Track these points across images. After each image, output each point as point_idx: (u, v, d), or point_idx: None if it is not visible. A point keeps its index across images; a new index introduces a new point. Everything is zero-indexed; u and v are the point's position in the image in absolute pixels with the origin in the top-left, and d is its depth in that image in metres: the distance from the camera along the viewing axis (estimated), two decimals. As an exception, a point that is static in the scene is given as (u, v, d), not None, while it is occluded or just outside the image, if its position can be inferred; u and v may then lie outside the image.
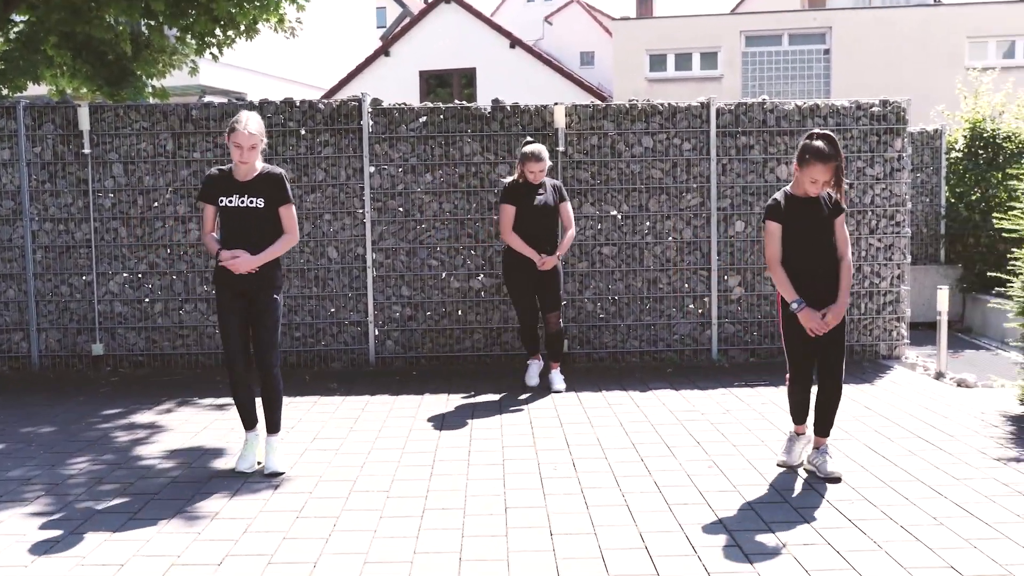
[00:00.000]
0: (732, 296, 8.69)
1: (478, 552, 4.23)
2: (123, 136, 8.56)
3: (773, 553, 4.17)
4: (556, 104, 8.57)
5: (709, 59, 26.20)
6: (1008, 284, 6.93)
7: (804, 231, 5.13)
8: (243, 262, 5.18)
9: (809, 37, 25.80)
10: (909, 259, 8.84)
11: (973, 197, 12.63)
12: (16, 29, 11.22)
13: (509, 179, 7.59)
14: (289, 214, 5.38)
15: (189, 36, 11.11)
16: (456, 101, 9.30)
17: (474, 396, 7.43)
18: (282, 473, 5.44)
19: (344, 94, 25.83)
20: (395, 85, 25.98)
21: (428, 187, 8.59)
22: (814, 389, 5.32)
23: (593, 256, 8.65)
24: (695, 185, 8.64)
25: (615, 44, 26.86)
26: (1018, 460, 5.52)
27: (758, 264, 8.64)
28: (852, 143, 8.65)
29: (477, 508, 4.82)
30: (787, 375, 5.35)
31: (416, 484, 5.23)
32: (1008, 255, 7.33)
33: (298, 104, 8.59)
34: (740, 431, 6.27)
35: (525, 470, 5.47)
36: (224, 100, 8.58)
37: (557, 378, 7.65)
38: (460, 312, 8.66)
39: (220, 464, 5.66)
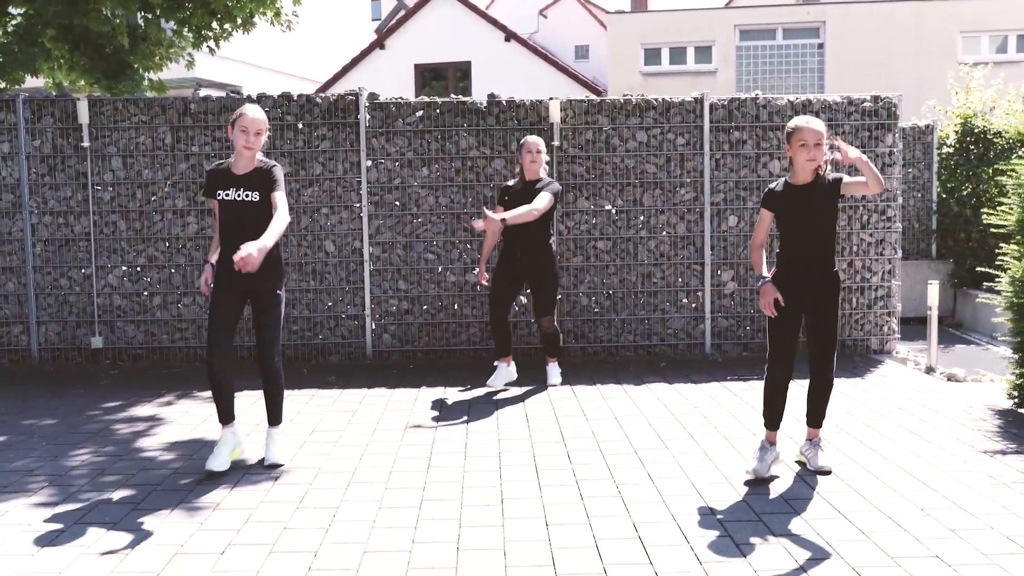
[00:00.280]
0: (725, 290, 8.78)
1: (475, 542, 4.32)
2: (122, 130, 8.62)
3: (763, 543, 4.27)
4: (552, 99, 8.65)
5: (703, 53, 26.30)
6: (996, 279, 7.03)
7: (800, 218, 5.11)
8: (254, 259, 4.93)
9: (803, 31, 25.91)
10: (900, 254, 8.94)
11: (964, 192, 12.76)
12: (13, 22, 11.24)
13: (511, 181, 7.66)
14: (280, 198, 5.28)
15: (186, 29, 11.17)
16: (451, 95, 9.38)
17: (470, 389, 7.52)
18: (281, 465, 5.51)
19: (340, 87, 25.89)
20: (390, 78, 26.03)
21: (424, 181, 8.67)
22: (792, 389, 5.31)
23: (588, 250, 8.73)
24: (689, 180, 8.73)
25: (610, 38, 26.95)
26: (1004, 453, 5.63)
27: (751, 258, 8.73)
28: (844, 138, 8.73)
29: (474, 499, 4.91)
30: (765, 366, 5.28)
31: (414, 476, 5.32)
32: (996, 250, 7.43)
33: (295, 98, 8.66)
34: (732, 424, 6.36)
35: (521, 462, 5.56)
36: (221, 93, 8.63)
37: (553, 371, 7.70)
38: (456, 306, 8.75)
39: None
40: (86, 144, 8.56)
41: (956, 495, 4.87)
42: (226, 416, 5.51)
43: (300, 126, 8.63)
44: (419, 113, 8.67)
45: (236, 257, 4.88)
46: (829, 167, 5.25)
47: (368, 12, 35.34)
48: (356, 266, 8.69)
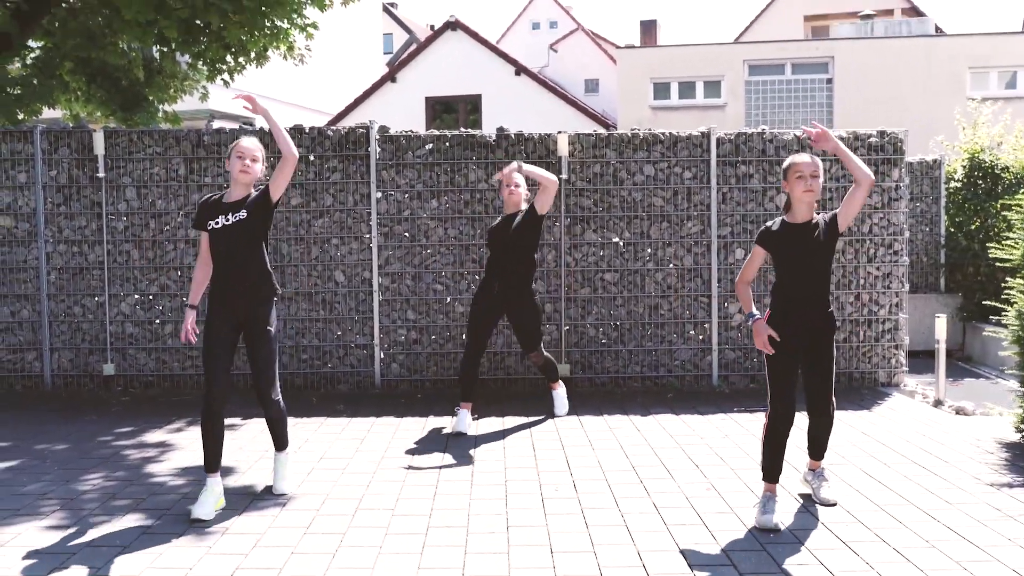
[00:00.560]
0: (732, 322, 8.83)
1: (480, 568, 4.36)
2: (136, 161, 8.75)
3: (768, 573, 4.29)
4: (560, 132, 8.75)
5: (712, 87, 26.48)
6: (1003, 313, 7.07)
7: (797, 258, 5.09)
8: (256, 102, 5.23)
9: (812, 66, 26.08)
10: (907, 287, 8.98)
11: (972, 226, 12.80)
12: (33, 55, 11.45)
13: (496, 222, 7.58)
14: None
15: (201, 62, 11.34)
16: (461, 128, 9.49)
17: (478, 419, 7.55)
18: (285, 494, 5.53)
19: (351, 120, 26.14)
20: (401, 111, 26.28)
21: (434, 213, 8.76)
22: (792, 435, 5.22)
23: (595, 282, 8.80)
24: (696, 213, 8.80)
25: (619, 72, 27.16)
26: (1011, 486, 5.64)
27: (758, 291, 8.78)
28: (850, 173, 8.78)
29: (480, 526, 4.95)
30: (766, 413, 5.14)
31: (420, 503, 5.36)
32: (1003, 284, 7.47)
33: (307, 130, 8.78)
34: (738, 455, 6.39)
35: (527, 491, 5.59)
36: (234, 125, 8.76)
37: (559, 400, 7.66)
38: (464, 336, 8.80)
39: (230, 482, 5.78)
40: (101, 175, 8.69)
41: (962, 527, 4.89)
42: (212, 464, 5.28)
43: (311, 158, 8.75)
44: (429, 146, 8.78)
45: (243, 97, 5.18)
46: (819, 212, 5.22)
47: (380, 46, 35.72)
48: (365, 296, 8.77)
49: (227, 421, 7.34)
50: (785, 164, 5.16)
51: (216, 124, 9.00)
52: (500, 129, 8.85)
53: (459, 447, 6.66)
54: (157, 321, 8.78)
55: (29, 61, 11.40)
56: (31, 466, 6.19)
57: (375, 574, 4.30)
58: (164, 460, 6.35)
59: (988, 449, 6.54)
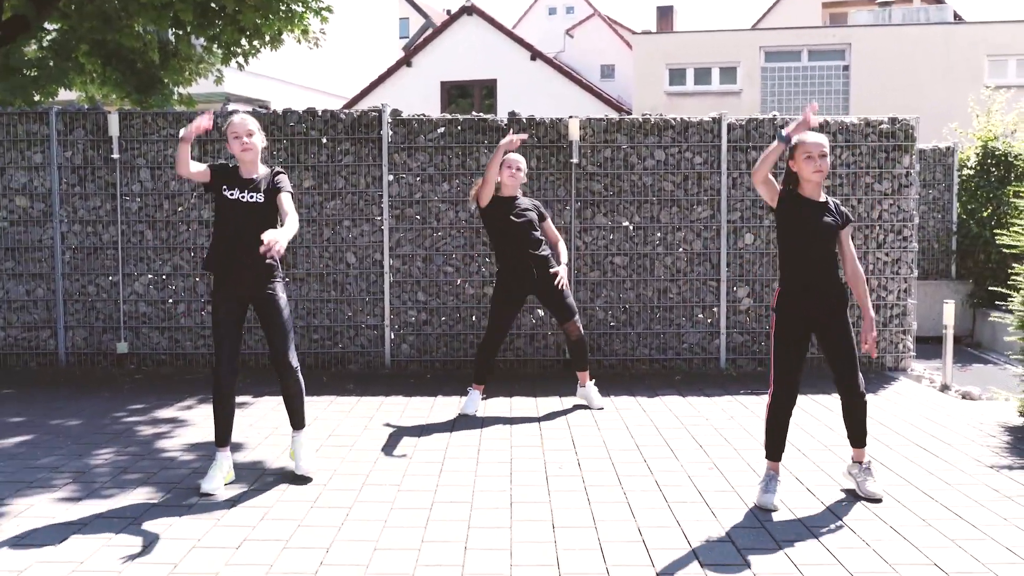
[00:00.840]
0: (741, 306, 8.87)
1: (483, 542, 4.44)
2: (151, 142, 8.85)
3: (766, 549, 4.36)
4: (571, 117, 8.79)
5: (728, 74, 26.42)
6: (1009, 298, 7.09)
7: (811, 232, 4.96)
8: (281, 245, 4.83)
9: (828, 53, 25.98)
10: (916, 273, 9.00)
11: (984, 214, 12.78)
12: (49, 37, 11.56)
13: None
14: (287, 201, 5.26)
15: (216, 46, 11.43)
16: (473, 112, 9.53)
17: (486, 399, 7.62)
18: (311, 479, 5.43)
19: (366, 103, 26.21)
20: (417, 95, 26.33)
21: (445, 196, 8.83)
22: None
23: (605, 265, 8.85)
24: (706, 198, 8.84)
25: (635, 57, 27.13)
26: (1011, 468, 5.68)
27: (767, 276, 8.83)
28: (861, 159, 8.83)
29: (484, 502, 5.03)
30: (769, 393, 5.12)
31: (426, 479, 5.45)
32: (1009, 270, 7.49)
33: (320, 113, 8.85)
34: (742, 436, 6.45)
35: (532, 468, 5.67)
36: (248, 108, 8.84)
37: (593, 392, 7.39)
38: (474, 318, 8.88)
39: (239, 457, 5.88)
40: (116, 156, 8.79)
41: (959, 507, 4.94)
42: (223, 438, 5.38)
43: (324, 141, 8.82)
44: (440, 129, 8.84)
45: (265, 239, 4.76)
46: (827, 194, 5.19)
47: (396, 30, 35.75)
48: (376, 277, 8.85)
49: (239, 399, 7.50)
50: (792, 142, 4.96)
51: (231, 107, 9.08)
52: (512, 113, 8.90)
53: (466, 426, 6.74)
54: (170, 301, 8.89)
55: (45, 43, 11.51)
56: (45, 441, 6.30)
57: (380, 546, 4.39)
58: (175, 436, 6.46)
59: (991, 433, 6.58)
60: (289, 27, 11.01)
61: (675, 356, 8.91)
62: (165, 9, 9.89)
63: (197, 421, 6.89)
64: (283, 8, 10.64)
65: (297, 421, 5.59)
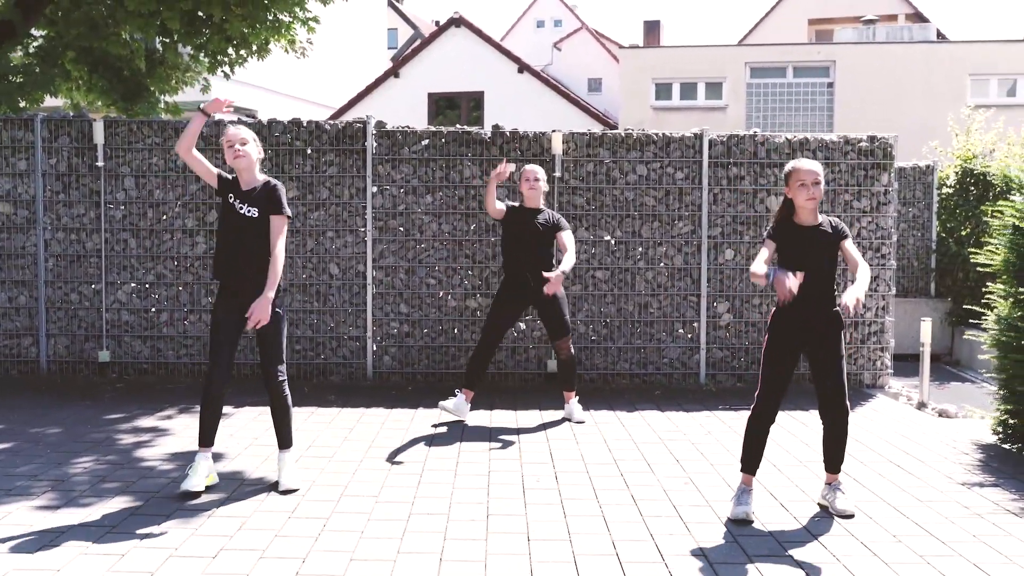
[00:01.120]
0: (721, 322, 8.94)
1: (458, 553, 4.49)
2: (136, 150, 8.87)
3: (737, 563, 4.42)
4: (554, 131, 8.87)
5: (714, 89, 26.59)
6: (984, 317, 7.19)
7: (798, 257, 5.08)
8: (265, 315, 5.24)
9: (813, 70, 26.19)
10: (894, 291, 9.10)
11: (963, 232, 12.92)
12: (35, 44, 11.57)
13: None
14: (278, 226, 5.37)
15: (202, 54, 11.44)
16: (456, 125, 9.60)
17: (472, 410, 7.65)
18: (296, 490, 5.46)
19: (354, 114, 26.26)
20: (404, 106, 26.39)
21: (428, 208, 8.88)
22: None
23: (586, 279, 8.92)
24: (687, 213, 8.92)
25: (622, 71, 27.29)
26: (981, 485, 5.76)
27: (747, 291, 8.91)
28: (840, 177, 8.93)
29: (460, 514, 5.07)
30: (752, 406, 5.20)
31: (404, 491, 5.49)
32: (983, 288, 7.60)
33: (305, 124, 8.90)
34: (719, 451, 6.51)
35: (509, 481, 5.72)
36: (234, 118, 8.86)
37: (576, 408, 7.48)
38: (456, 330, 8.93)
39: (219, 467, 5.89)
40: (100, 163, 8.81)
41: (929, 524, 5.01)
42: (206, 439, 5.44)
43: (308, 151, 8.87)
44: (424, 142, 8.90)
45: (250, 318, 5.22)
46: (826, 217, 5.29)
47: (385, 41, 35.83)
48: (359, 289, 8.89)
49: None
50: (787, 169, 5.17)
51: (218, 116, 9.10)
52: (495, 126, 8.97)
53: (445, 438, 6.78)
54: (153, 309, 8.90)
55: (32, 50, 11.51)
56: (24, 449, 6.31)
57: (356, 557, 4.43)
58: (155, 445, 6.48)
59: (964, 450, 6.66)
60: (276, 37, 11.04)
61: (655, 371, 8.98)
62: (152, 17, 9.91)
63: (177, 431, 6.90)
64: (270, 18, 10.68)
65: (282, 439, 5.60)
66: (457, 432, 6.98)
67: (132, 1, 9.34)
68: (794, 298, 4.98)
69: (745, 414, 7.60)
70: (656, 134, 8.95)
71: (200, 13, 10.38)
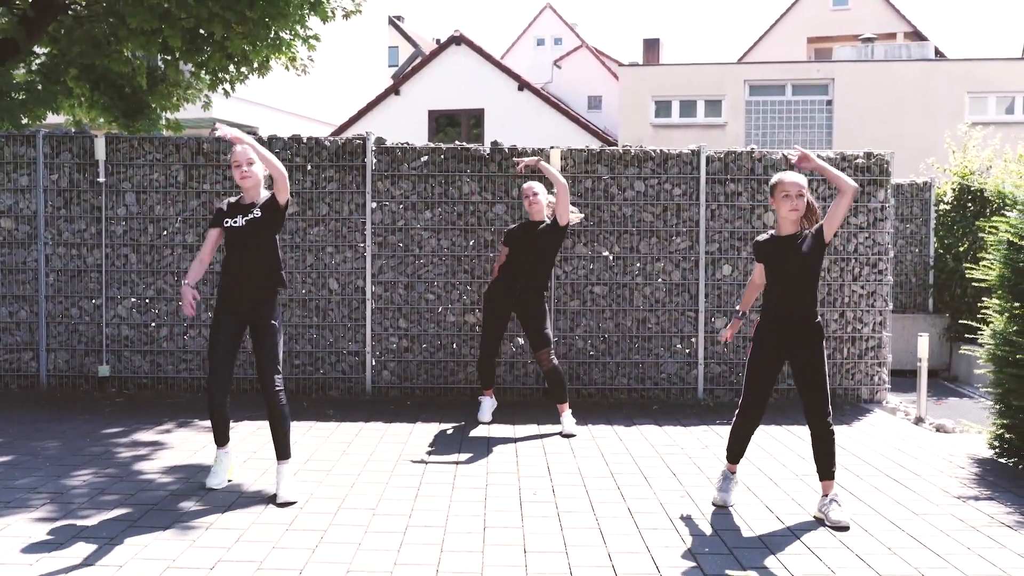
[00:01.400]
0: (718, 337, 8.98)
1: (455, 565, 4.51)
2: (137, 166, 8.93)
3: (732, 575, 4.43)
4: (552, 148, 8.93)
5: (713, 107, 26.71)
6: (979, 332, 7.22)
7: (784, 268, 5.32)
8: (236, 134, 5.55)
9: (812, 88, 26.32)
10: (891, 306, 9.13)
11: (961, 248, 12.96)
12: (38, 61, 11.66)
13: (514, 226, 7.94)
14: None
15: (203, 72, 11.53)
16: (456, 142, 9.66)
17: (465, 426, 7.70)
18: (294, 503, 5.48)
19: (355, 131, 26.36)
20: (405, 124, 26.51)
21: (427, 224, 8.93)
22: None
23: (584, 295, 8.96)
24: (684, 229, 8.97)
25: (622, 89, 27.41)
26: (976, 498, 5.78)
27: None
28: (836, 192, 8.96)
29: (457, 527, 5.09)
30: (736, 411, 5.53)
31: (402, 504, 5.51)
32: (979, 303, 7.63)
33: (304, 140, 8.96)
34: (716, 465, 6.53)
35: (506, 494, 5.74)
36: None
37: (568, 421, 7.50)
38: (455, 345, 8.96)
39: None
40: (102, 179, 8.87)
41: (924, 536, 5.03)
42: (222, 440, 5.83)
43: (308, 167, 8.93)
44: (424, 158, 8.96)
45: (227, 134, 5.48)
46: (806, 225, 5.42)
47: (386, 59, 36.01)
48: (358, 304, 8.93)
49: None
50: (772, 182, 5.40)
51: (218, 132, 9.16)
52: (494, 143, 9.02)
53: (443, 452, 6.81)
54: (153, 324, 8.94)
55: (34, 67, 11.60)
56: (23, 462, 6.34)
57: (352, 568, 4.45)
58: (154, 459, 6.50)
59: (960, 464, 6.68)
60: (277, 54, 11.14)
61: (653, 386, 9.00)
62: (154, 35, 9.99)
63: (176, 444, 6.93)
64: (271, 36, 10.76)
65: (280, 450, 5.64)
66: (455, 445, 7.01)
67: (134, 19, 9.43)
68: (775, 308, 5.37)
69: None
70: (654, 150, 9.01)
71: (201, 31, 10.47)
